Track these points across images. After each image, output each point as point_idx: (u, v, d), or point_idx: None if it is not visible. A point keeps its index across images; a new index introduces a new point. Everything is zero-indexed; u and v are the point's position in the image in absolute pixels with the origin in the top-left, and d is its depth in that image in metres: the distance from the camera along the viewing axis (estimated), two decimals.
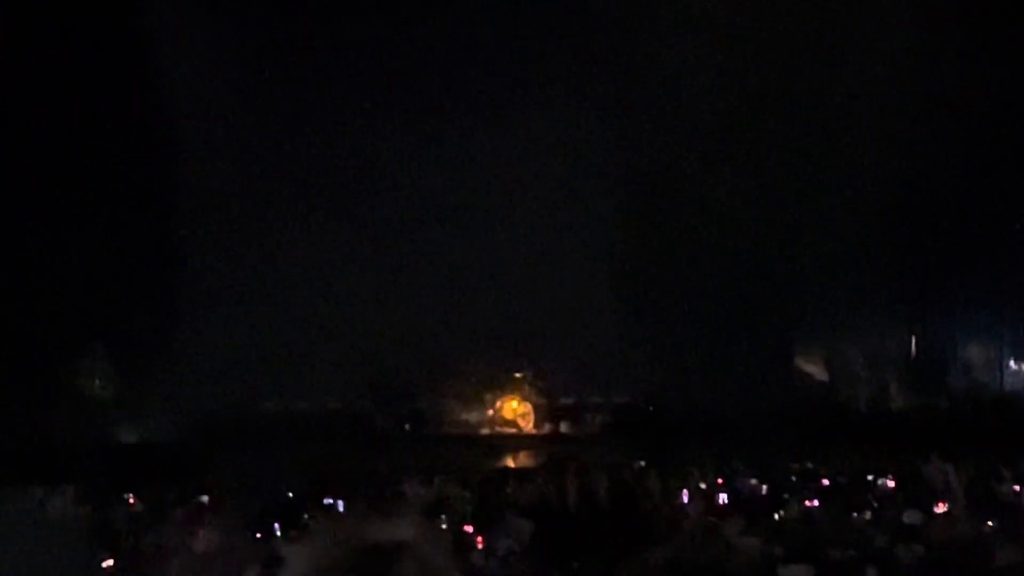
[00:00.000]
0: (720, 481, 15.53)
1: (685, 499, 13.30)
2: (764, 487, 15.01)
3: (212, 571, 7.67)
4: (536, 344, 27.78)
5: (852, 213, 27.49)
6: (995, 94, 25.99)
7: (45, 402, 25.10)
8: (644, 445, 21.65)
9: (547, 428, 27.83)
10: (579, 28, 27.71)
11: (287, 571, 2.63)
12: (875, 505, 12.61)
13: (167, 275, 27.23)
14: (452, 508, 13.10)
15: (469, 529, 10.77)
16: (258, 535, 10.79)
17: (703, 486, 14.75)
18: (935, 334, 29.86)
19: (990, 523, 10.75)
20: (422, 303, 27.29)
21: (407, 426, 27.74)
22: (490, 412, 27.90)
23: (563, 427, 27.89)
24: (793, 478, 16.48)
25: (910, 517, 10.55)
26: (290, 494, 16.11)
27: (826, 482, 15.62)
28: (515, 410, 27.81)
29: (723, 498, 13.94)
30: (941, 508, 11.80)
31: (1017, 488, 13.81)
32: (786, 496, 13.90)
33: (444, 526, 11.03)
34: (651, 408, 28.04)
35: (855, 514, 12.07)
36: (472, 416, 27.97)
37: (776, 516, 12.18)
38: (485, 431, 27.75)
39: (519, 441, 27.01)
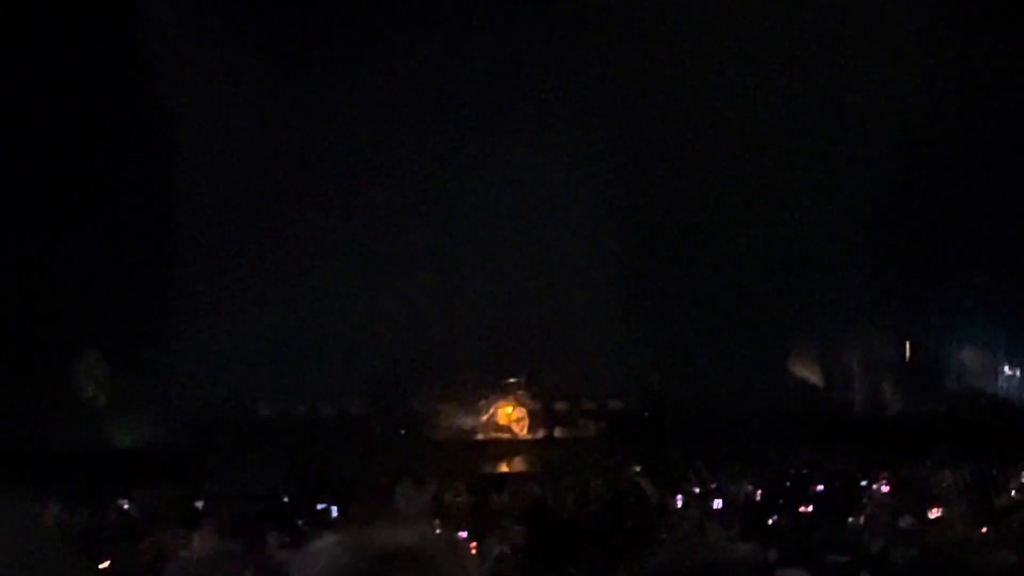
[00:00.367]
0: (715, 486, 15.56)
1: (680, 504, 13.31)
2: (759, 492, 15.02)
3: None
4: (530, 349, 27.76)
5: (847, 217, 27.54)
6: (989, 100, 26.04)
7: (39, 406, 25.05)
8: (639, 450, 21.66)
9: (541, 433, 27.79)
10: (577, 32, 27.71)
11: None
12: (870, 510, 12.61)
13: (162, 279, 27.18)
14: (446, 513, 13.12)
15: (463, 534, 10.77)
16: (253, 540, 10.77)
17: (698, 491, 14.77)
18: (930, 338, 29.90)
19: (985, 528, 10.76)
20: (417, 308, 27.27)
21: (402, 431, 27.71)
22: (485, 417, 27.87)
23: (557, 432, 27.86)
24: (788, 483, 16.51)
25: (905, 522, 10.56)
26: (285, 499, 16.13)
27: (821, 487, 15.65)
28: (509, 415, 27.78)
29: (718, 503, 13.96)
30: (936, 513, 11.81)
31: (1012, 492, 13.83)
32: (781, 501, 13.92)
33: (438, 531, 11.02)
34: (646, 413, 28.04)
35: (850, 519, 12.07)
36: (467, 421, 27.92)
37: (771, 521, 12.18)
38: (480, 436, 27.71)
39: (513, 446, 26.99)
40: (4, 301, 25.05)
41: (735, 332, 27.79)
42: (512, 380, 27.93)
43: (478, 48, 27.70)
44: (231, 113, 27.14)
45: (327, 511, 14.24)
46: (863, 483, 15.66)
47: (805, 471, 18.29)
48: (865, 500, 13.54)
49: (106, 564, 9.85)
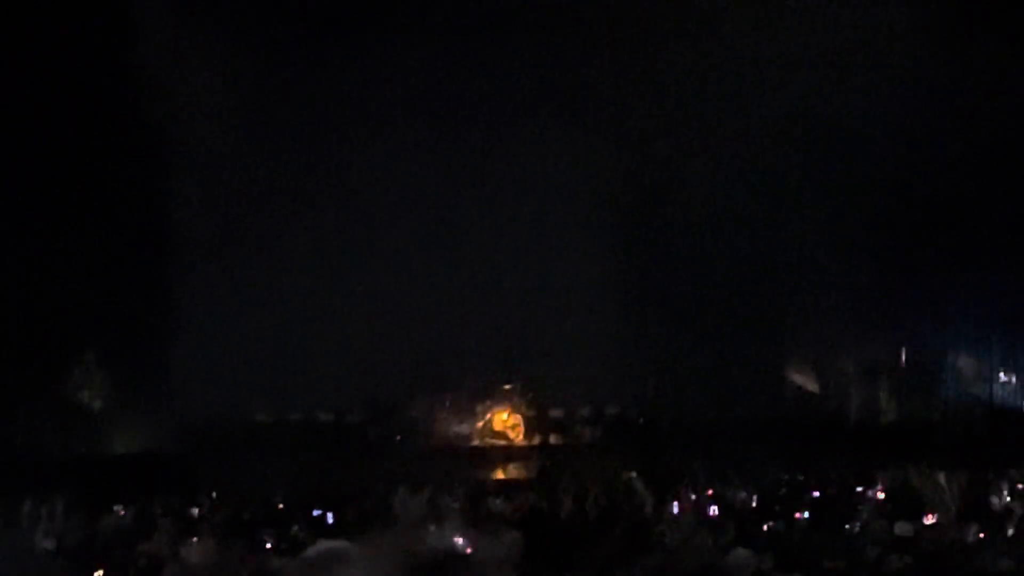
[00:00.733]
0: (710, 492, 15.55)
1: (675, 510, 13.32)
2: (754, 498, 15.02)
3: None
4: (526, 355, 27.77)
5: (842, 223, 27.57)
6: (984, 107, 26.08)
7: (35, 411, 25.04)
8: (635, 456, 21.67)
9: (537, 439, 27.79)
10: (570, 38, 27.73)
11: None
12: (865, 516, 12.62)
13: (159, 285, 27.16)
14: (441, 519, 13.10)
15: (459, 540, 10.75)
16: (249, 546, 10.77)
17: (693, 497, 14.77)
18: (925, 345, 29.90)
19: (981, 534, 10.77)
20: (413, 315, 27.27)
21: (398, 437, 27.70)
22: (480, 424, 27.87)
23: (553, 438, 27.86)
24: (783, 489, 16.51)
25: (901, 528, 10.57)
26: (280, 505, 16.12)
27: (817, 493, 15.65)
28: (505, 422, 27.78)
29: (713, 509, 13.96)
30: (931, 519, 11.83)
31: (1007, 498, 13.84)
32: (776, 507, 13.92)
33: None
34: (641, 419, 28.05)
35: (846, 525, 12.08)
36: (463, 428, 27.92)
37: (766, 527, 12.19)
38: (476, 442, 27.70)
39: (510, 452, 26.97)
40: (1, 305, 25.04)
41: (731, 338, 27.80)
42: (508, 386, 27.94)
43: (472, 64, 27.74)
44: (231, 119, 27.10)
45: (323, 517, 14.23)
46: (859, 489, 15.66)
47: (801, 477, 18.29)
48: (861, 506, 13.55)
49: (100, 573, 9.85)
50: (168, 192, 27.50)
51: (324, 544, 2.78)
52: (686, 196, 27.60)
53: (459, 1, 27.30)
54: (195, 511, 15.00)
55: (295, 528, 12.78)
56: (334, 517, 14.12)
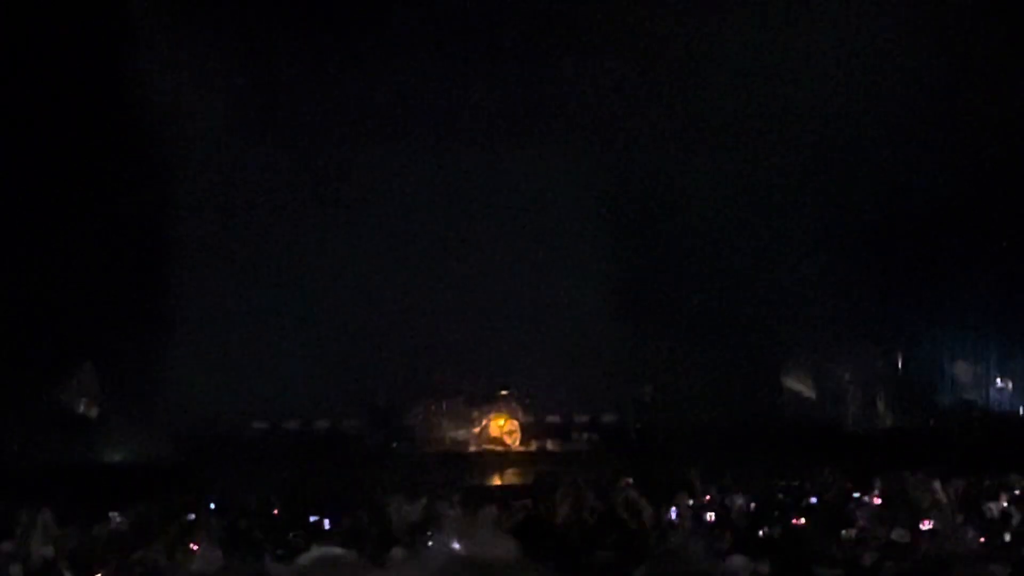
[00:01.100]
0: (707, 499, 15.55)
1: (673, 516, 13.31)
2: (751, 505, 15.02)
3: None
4: (522, 362, 27.76)
5: (838, 231, 27.59)
6: (978, 116, 26.09)
7: (29, 419, 25.00)
8: (631, 463, 21.65)
9: (534, 446, 27.77)
10: (572, 39, 27.75)
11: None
12: (862, 522, 12.63)
13: (155, 294, 27.14)
14: (438, 526, 13.09)
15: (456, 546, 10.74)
16: (244, 553, 10.77)
17: (690, 503, 14.77)
18: (921, 351, 29.91)
19: (978, 540, 10.78)
20: (409, 321, 27.28)
21: (394, 444, 27.68)
22: (477, 430, 27.85)
23: (550, 445, 27.84)
24: (780, 495, 16.50)
25: (897, 534, 10.57)
26: (275, 511, 16.10)
27: (813, 499, 15.64)
28: (501, 428, 27.74)
29: (710, 515, 13.96)
30: (928, 525, 11.83)
31: (1004, 505, 13.85)
32: (773, 513, 13.92)
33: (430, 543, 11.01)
34: (638, 426, 28.04)
35: (842, 531, 12.08)
36: (459, 434, 27.90)
37: (763, 533, 12.19)
38: (472, 449, 27.68)
39: (506, 459, 26.95)
40: None
41: (727, 345, 27.79)
42: (504, 393, 27.92)
43: (469, 71, 27.78)
44: (226, 125, 27.08)
45: (320, 524, 14.23)
46: (855, 495, 15.65)
47: (797, 483, 18.27)
48: (857, 513, 13.55)
49: None
50: (164, 202, 27.47)
51: (320, 550, 2.77)
52: (683, 203, 27.61)
53: (459, 4, 27.33)
54: (192, 518, 14.96)
55: (292, 534, 12.77)
56: (331, 523, 14.11)
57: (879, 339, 29.71)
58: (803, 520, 13.27)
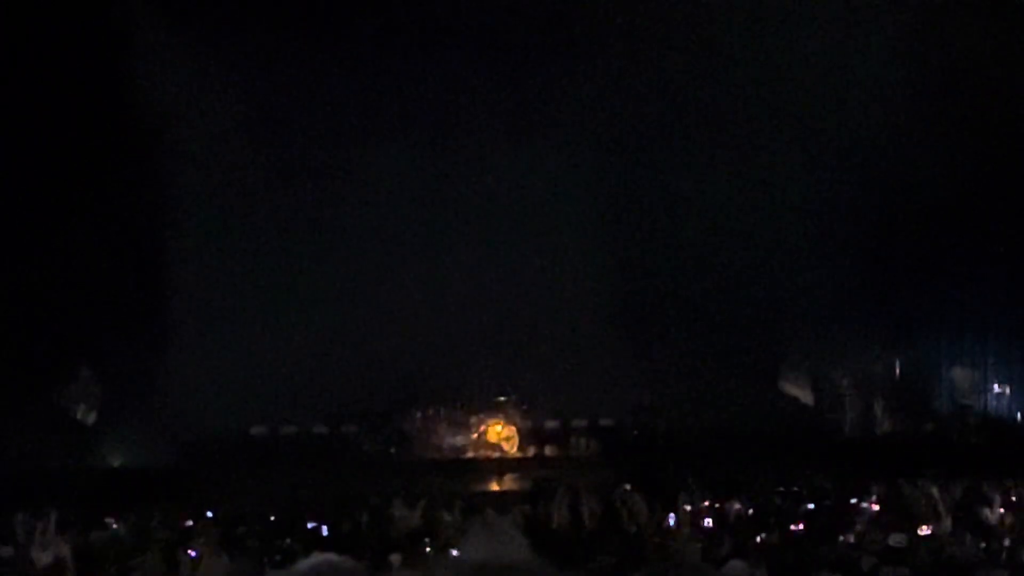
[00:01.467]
0: (705, 504, 15.54)
1: (671, 522, 13.31)
2: (749, 510, 15.02)
3: None
4: (520, 368, 27.77)
5: (836, 235, 27.61)
6: (976, 118, 26.11)
7: (29, 424, 24.98)
8: (629, 468, 21.64)
9: (532, 451, 27.77)
10: (571, 40, 27.75)
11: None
12: (860, 527, 12.63)
13: (153, 298, 27.15)
14: (436, 531, 13.09)
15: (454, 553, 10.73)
16: (243, 559, 10.75)
17: (688, 509, 14.75)
18: (919, 357, 29.92)
19: (976, 545, 10.78)
20: (407, 327, 27.28)
21: (392, 450, 27.68)
22: (474, 436, 27.84)
23: (548, 450, 27.84)
24: (778, 501, 16.50)
25: (895, 539, 10.58)
26: (272, 517, 16.10)
27: (811, 505, 15.64)
28: (499, 433, 27.74)
29: (708, 521, 13.96)
30: (926, 530, 11.83)
31: (1002, 510, 13.84)
32: (771, 519, 13.92)
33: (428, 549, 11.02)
34: (636, 431, 28.04)
35: (840, 537, 12.08)
36: (457, 440, 27.89)
37: (761, 539, 12.19)
38: (470, 455, 27.68)
39: (504, 464, 26.95)
40: None
41: (725, 350, 27.82)
42: (502, 398, 27.92)
43: (466, 74, 27.79)
44: (224, 129, 27.07)
45: (317, 530, 14.22)
46: (853, 501, 15.66)
47: (795, 489, 18.28)
48: (855, 518, 13.55)
49: None
50: (164, 205, 27.49)
51: (318, 556, 2.78)
52: (679, 207, 27.65)
53: (458, 4, 27.33)
54: (189, 524, 14.96)
55: (289, 540, 12.77)
56: (328, 530, 14.11)
57: (877, 345, 29.73)
58: (801, 526, 13.27)
